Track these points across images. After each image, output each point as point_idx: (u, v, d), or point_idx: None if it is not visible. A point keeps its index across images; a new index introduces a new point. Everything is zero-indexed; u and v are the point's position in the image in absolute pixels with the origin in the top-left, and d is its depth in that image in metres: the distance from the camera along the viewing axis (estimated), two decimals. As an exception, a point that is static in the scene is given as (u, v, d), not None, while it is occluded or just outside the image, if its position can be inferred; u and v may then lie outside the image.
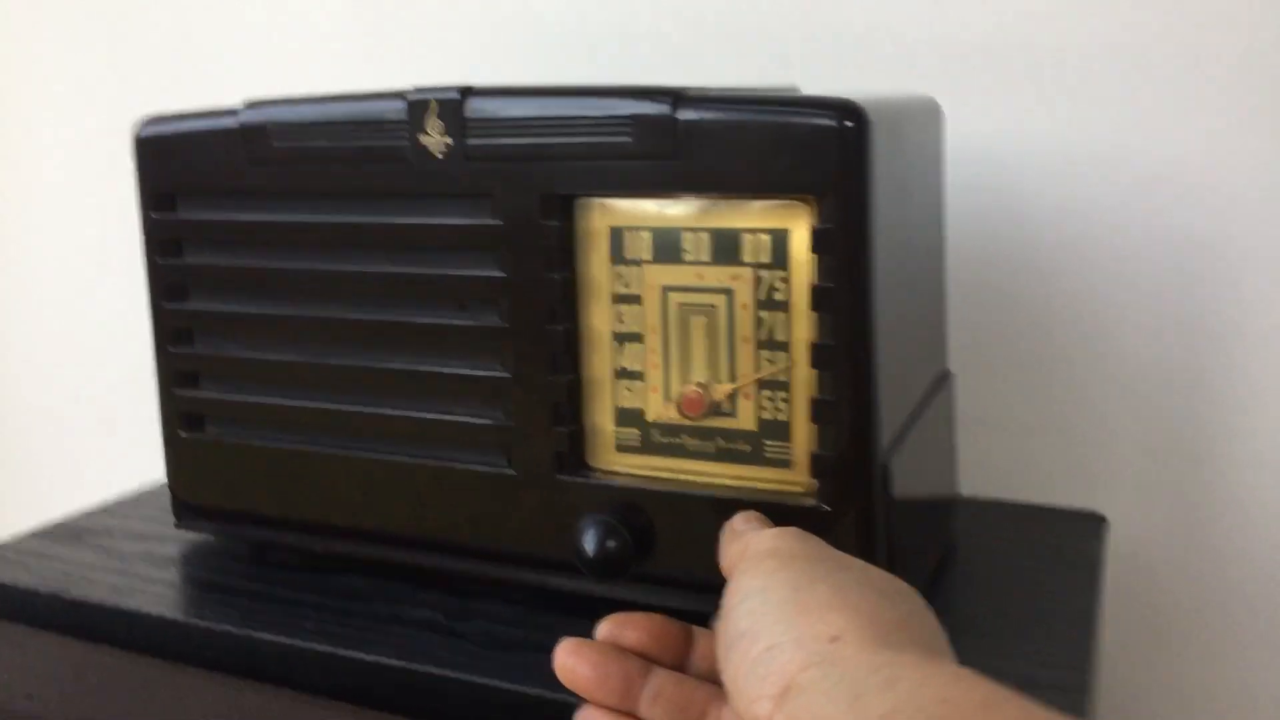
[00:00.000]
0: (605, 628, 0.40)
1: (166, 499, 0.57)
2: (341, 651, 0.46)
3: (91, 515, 0.62)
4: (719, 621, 0.35)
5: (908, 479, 0.46)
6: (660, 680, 0.38)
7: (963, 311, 0.69)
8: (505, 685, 0.44)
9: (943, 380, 0.56)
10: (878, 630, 0.30)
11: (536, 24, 0.77)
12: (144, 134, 0.52)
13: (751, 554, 0.36)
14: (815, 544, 0.36)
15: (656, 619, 0.40)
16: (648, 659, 0.39)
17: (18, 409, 1.09)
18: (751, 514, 0.43)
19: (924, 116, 0.52)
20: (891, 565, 0.43)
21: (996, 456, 0.70)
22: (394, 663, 0.45)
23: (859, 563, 0.35)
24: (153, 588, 0.53)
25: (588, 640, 0.39)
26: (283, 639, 0.47)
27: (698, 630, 0.41)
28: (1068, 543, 0.57)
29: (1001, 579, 0.52)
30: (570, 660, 0.38)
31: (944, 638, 0.33)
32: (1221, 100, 0.62)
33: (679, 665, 0.40)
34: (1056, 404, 0.69)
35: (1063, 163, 0.66)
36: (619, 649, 0.39)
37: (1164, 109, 0.64)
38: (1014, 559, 0.55)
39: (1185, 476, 0.67)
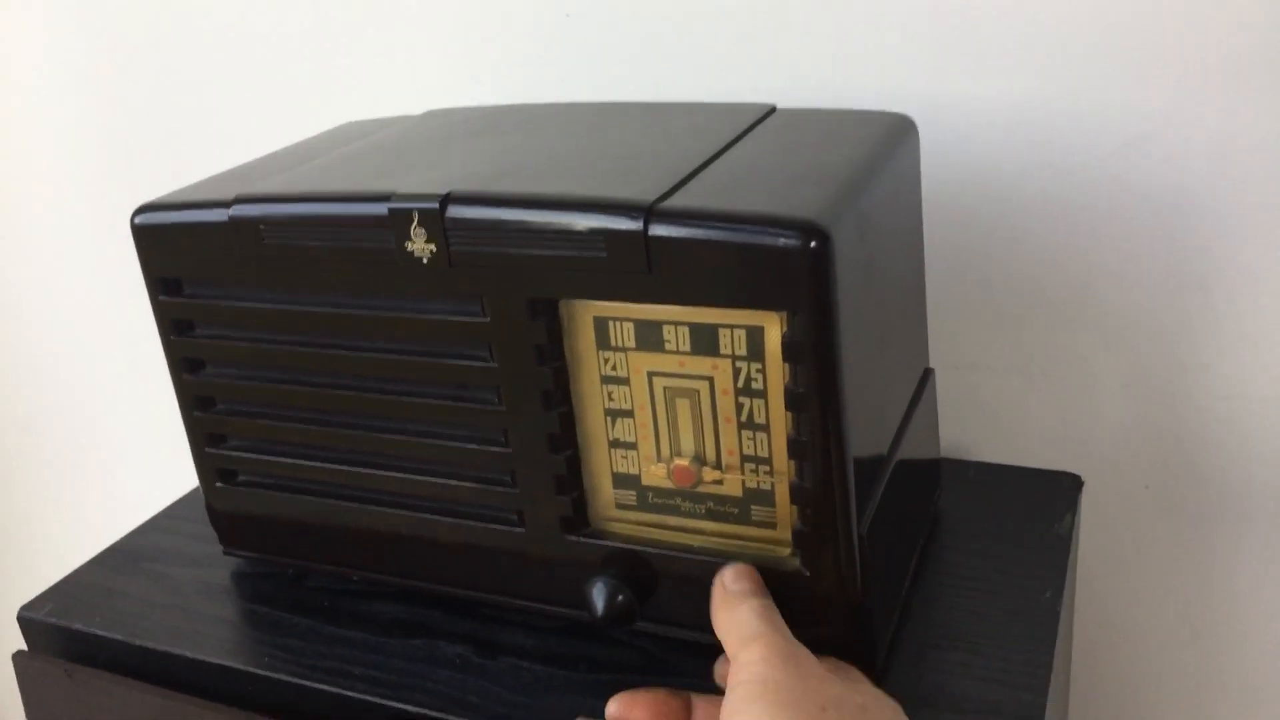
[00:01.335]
0: (614, 708, 0.45)
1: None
2: (385, 701, 0.52)
3: (144, 534, 0.67)
4: None
5: (886, 534, 0.50)
6: None
7: (948, 265, 0.71)
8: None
9: (923, 380, 0.59)
10: None
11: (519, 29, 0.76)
12: (139, 222, 0.54)
13: (743, 682, 0.40)
14: (801, 672, 0.40)
15: (659, 695, 0.46)
16: None
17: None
18: (742, 570, 0.47)
19: (899, 153, 0.53)
20: (867, 609, 0.48)
21: (983, 399, 0.74)
22: (433, 714, 0.51)
23: (836, 693, 0.40)
24: (213, 629, 0.58)
25: None
26: (335, 689, 0.53)
27: (696, 698, 0.46)
28: (1043, 517, 0.61)
29: (975, 567, 0.57)
30: None
31: None
32: (1203, 63, 0.62)
33: None
34: (1040, 349, 0.72)
35: (1046, 120, 0.66)
36: None
37: (1147, 70, 0.63)
38: (989, 541, 0.59)
39: (1163, 411, 0.71)
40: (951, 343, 0.72)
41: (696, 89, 0.73)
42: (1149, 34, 0.62)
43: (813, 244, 0.42)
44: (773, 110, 0.59)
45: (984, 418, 0.74)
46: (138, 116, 0.94)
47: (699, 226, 0.43)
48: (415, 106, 0.78)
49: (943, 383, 0.68)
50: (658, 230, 0.44)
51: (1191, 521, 0.72)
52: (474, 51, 0.79)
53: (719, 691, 0.46)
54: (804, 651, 0.42)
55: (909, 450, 0.54)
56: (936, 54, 0.67)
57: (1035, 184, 0.68)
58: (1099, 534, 0.74)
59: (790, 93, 0.70)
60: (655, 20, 0.73)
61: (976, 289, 0.72)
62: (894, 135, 0.54)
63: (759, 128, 0.55)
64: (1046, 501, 0.62)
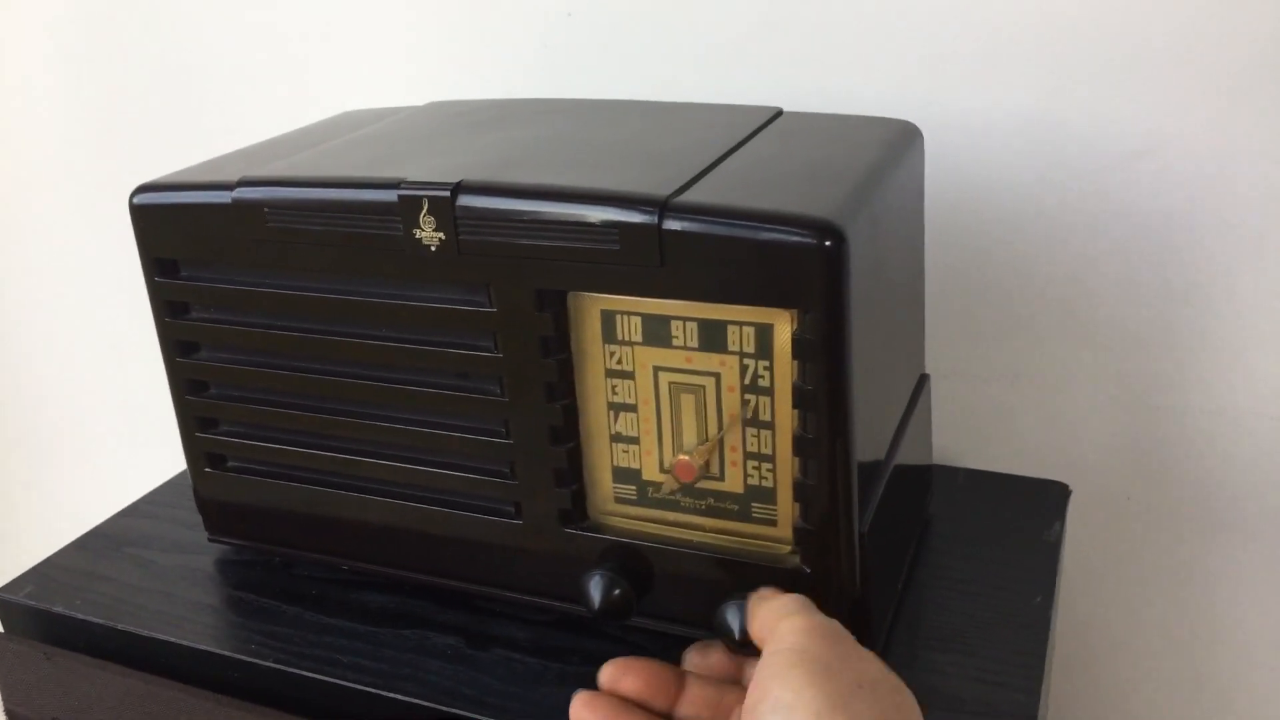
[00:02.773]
0: (607, 673, 0.45)
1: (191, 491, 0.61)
2: (375, 691, 0.52)
3: (126, 519, 0.66)
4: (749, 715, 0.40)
5: (884, 534, 0.50)
6: None
7: (940, 275, 0.71)
8: (525, 729, 0.49)
9: (920, 386, 0.60)
10: None
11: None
12: (138, 201, 0.53)
13: (781, 650, 0.40)
14: (838, 647, 0.40)
15: (652, 666, 0.46)
16: (643, 704, 0.45)
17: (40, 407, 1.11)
18: (772, 588, 0.47)
19: (906, 159, 0.53)
20: (864, 608, 0.48)
21: (971, 407, 0.75)
22: (424, 704, 0.51)
23: (873, 674, 0.40)
24: (197, 615, 0.57)
25: (599, 694, 0.45)
26: (323, 677, 0.53)
27: (691, 677, 0.46)
28: (1032, 524, 0.62)
29: (967, 571, 0.58)
30: (584, 713, 0.44)
31: None
32: (1197, 82, 0.63)
33: (670, 707, 0.46)
34: (1028, 359, 0.73)
35: (1041, 135, 0.67)
36: (625, 704, 0.45)
37: (1142, 89, 0.64)
38: (980, 546, 0.60)
39: (1147, 422, 0.71)
40: (942, 351, 0.73)
41: (697, 93, 0.73)
42: (1146, 52, 0.63)
43: (828, 243, 0.42)
44: (779, 113, 0.59)
45: (972, 425, 0.75)
46: (129, 104, 0.93)
47: (714, 222, 0.43)
48: (413, 103, 0.78)
49: (933, 390, 0.69)
50: (672, 225, 0.44)
51: (1171, 531, 0.73)
52: (473, 49, 0.79)
53: (713, 677, 0.46)
54: (847, 633, 0.42)
55: (906, 453, 0.55)
56: (935, 65, 0.67)
57: (1028, 197, 0.69)
58: (1080, 541, 0.74)
59: (792, 99, 0.70)
60: (656, 22, 0.73)
61: (967, 299, 0.72)
62: (901, 141, 0.54)
63: (768, 129, 0.55)
64: (1035, 509, 0.63)
